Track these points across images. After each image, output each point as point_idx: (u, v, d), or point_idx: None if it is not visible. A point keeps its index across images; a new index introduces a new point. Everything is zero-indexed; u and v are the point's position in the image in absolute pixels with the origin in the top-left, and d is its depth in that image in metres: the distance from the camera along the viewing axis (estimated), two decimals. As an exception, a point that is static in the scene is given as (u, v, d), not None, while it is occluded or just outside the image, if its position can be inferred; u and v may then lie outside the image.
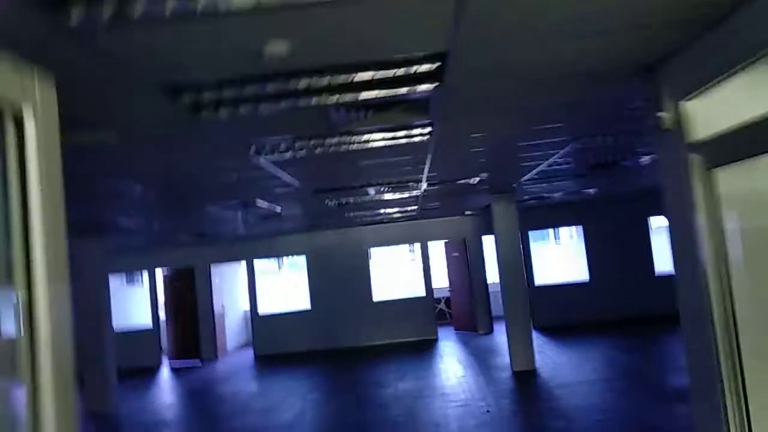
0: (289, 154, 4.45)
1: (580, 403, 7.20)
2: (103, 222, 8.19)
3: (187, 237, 11.82)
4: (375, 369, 10.85)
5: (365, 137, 4.21)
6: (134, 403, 9.93)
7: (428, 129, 4.19)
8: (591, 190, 10.79)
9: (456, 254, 14.09)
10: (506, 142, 5.17)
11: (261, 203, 7.42)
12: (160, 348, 14.10)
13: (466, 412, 7.32)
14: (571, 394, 7.61)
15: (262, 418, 8.04)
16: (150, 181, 5.55)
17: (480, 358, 10.70)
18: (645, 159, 7.27)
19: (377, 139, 4.31)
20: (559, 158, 6.40)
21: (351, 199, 8.19)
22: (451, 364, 10.46)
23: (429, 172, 6.38)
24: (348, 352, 13.06)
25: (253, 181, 5.70)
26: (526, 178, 7.84)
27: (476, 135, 4.72)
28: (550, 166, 6.93)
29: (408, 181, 6.96)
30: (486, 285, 13.80)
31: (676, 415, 6.45)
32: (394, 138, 4.32)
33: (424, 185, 7.43)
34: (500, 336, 12.78)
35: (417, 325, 13.68)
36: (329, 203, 8.37)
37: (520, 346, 9.31)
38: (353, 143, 4.31)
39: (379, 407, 8.03)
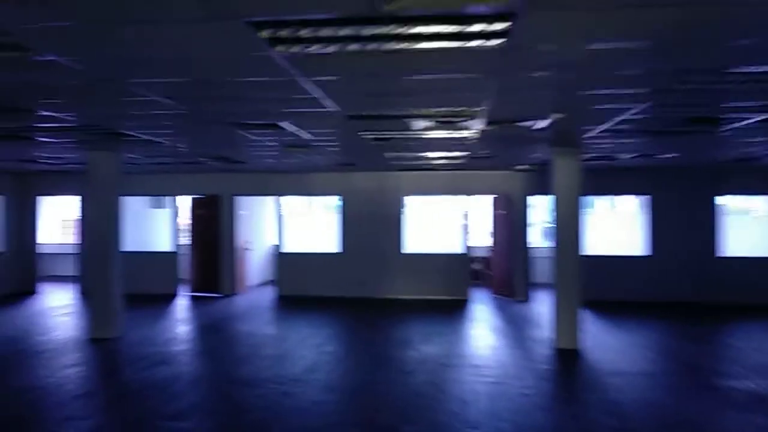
0: (315, 48, 3.35)
1: (635, 398, 6.12)
2: (120, 133, 7.31)
3: (214, 163, 10.93)
4: (399, 325, 9.95)
5: (418, 29, 3.07)
6: (141, 332, 9.28)
7: (504, 25, 3.01)
8: (669, 155, 9.40)
9: (502, 212, 12.89)
10: (591, 67, 3.93)
11: (288, 126, 6.36)
12: (178, 276, 13.50)
13: (499, 391, 6.33)
14: (625, 385, 6.52)
15: (268, 367, 7.23)
16: (178, 91, 4.58)
17: (517, 329, 9.65)
18: (750, 119, 5.93)
19: (432, 36, 3.17)
20: (649, 104, 5.13)
21: (391, 134, 7.06)
22: (483, 331, 9.46)
23: (489, 105, 5.19)
24: (372, 302, 12.21)
25: (278, 90, 4.64)
26: (602, 128, 6.56)
27: (559, 49, 3.52)
28: (635, 114, 5.65)
29: (462, 115, 5.78)
30: (527, 249, 12.64)
31: (756, 427, 5.32)
32: (455, 37, 3.17)
33: (478, 124, 6.24)
34: (538, 306, 11.73)
35: (449, 284, 12.71)
36: (365, 137, 7.27)
37: (567, 321, 8.21)
38: (401, 38, 3.18)
39: (400, 372, 7.11)
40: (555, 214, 8.36)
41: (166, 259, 13.35)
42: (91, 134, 7.14)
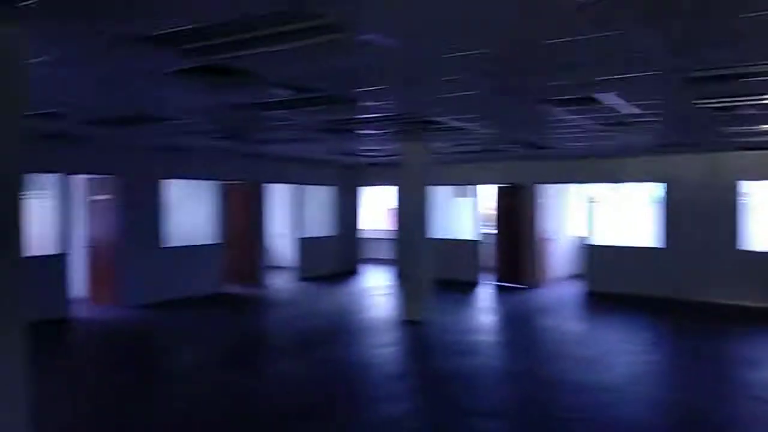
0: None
1: None
2: (429, 122, 7.45)
3: (518, 150, 10.56)
4: (739, 337, 8.18)
5: None
6: (448, 317, 9.42)
7: None
8: None
9: None
10: None
11: (608, 99, 5.54)
12: (480, 264, 13.51)
13: None
14: None
15: (579, 370, 6.51)
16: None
17: None
18: None
19: None
20: None
21: (738, 101, 5.64)
22: None
23: None
24: (698, 306, 10.37)
25: (600, 49, 3.93)
26: None
27: None
28: None
29: None
30: None
31: None
32: None
33: None
34: None
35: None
36: (701, 106, 5.95)
37: None
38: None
39: (749, 399, 5.68)
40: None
41: (469, 247, 13.50)
42: (404, 124, 7.37)
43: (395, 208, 14.76)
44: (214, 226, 11.99)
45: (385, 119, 6.93)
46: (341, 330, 8.70)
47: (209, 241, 11.89)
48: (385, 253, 17.20)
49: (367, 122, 7.21)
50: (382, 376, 6.51)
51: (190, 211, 11.88)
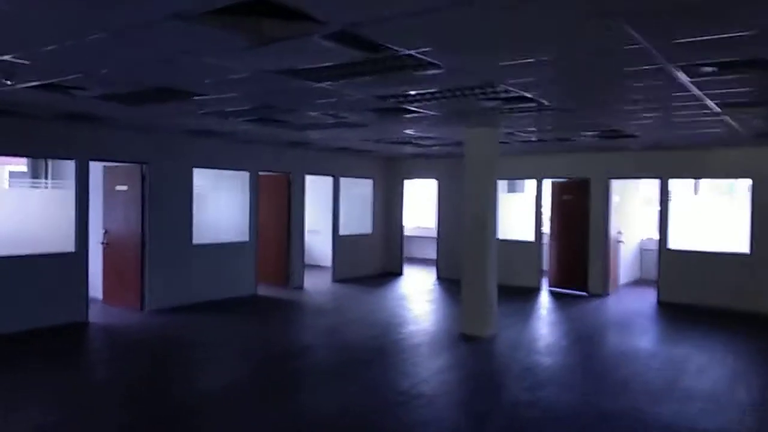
0: None
1: None
2: (495, 109, 6.18)
3: (587, 138, 9.19)
4: None
5: None
6: (514, 333, 8.15)
7: None
8: None
9: None
10: None
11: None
12: (541, 268, 12.19)
13: None
14: None
15: (695, 408, 5.18)
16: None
17: None
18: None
19: None
20: None
21: None
22: None
23: None
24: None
25: None
26: None
27: None
28: None
29: None
30: None
31: None
32: None
33: None
34: None
35: None
36: None
37: None
38: None
39: None
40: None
41: (530, 249, 12.14)
42: (473, 101, 6.08)
43: (438, 204, 13.54)
44: (247, 222, 10.88)
45: (451, 94, 5.66)
46: (390, 345, 7.48)
47: (242, 239, 10.80)
48: (427, 253, 15.97)
49: (427, 99, 5.95)
50: (449, 413, 5.28)
51: (220, 205, 10.80)
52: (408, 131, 8.67)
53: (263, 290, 11.08)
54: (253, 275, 10.87)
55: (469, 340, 7.65)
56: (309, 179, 12.30)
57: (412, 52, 3.98)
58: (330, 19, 3.25)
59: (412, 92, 5.60)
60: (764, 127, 7.42)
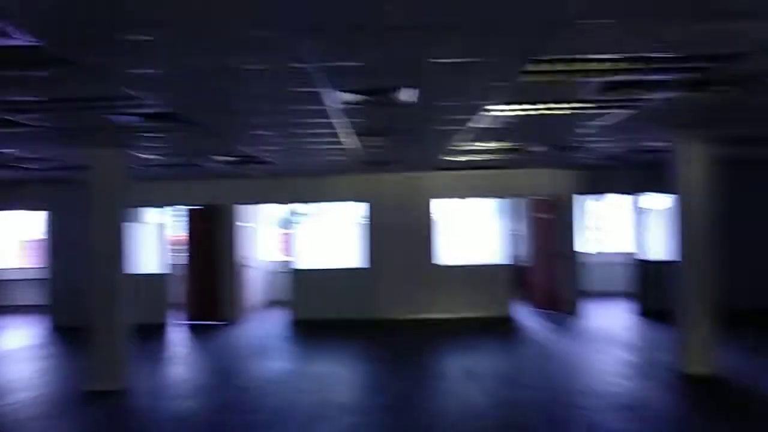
0: None
1: None
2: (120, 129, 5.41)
3: (216, 165, 8.98)
4: (444, 356, 8.30)
5: None
6: (149, 380, 7.28)
7: None
8: None
9: (545, 216, 11.42)
10: None
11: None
12: (168, 302, 11.33)
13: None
14: None
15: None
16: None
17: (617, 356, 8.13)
18: None
19: None
20: None
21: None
22: (553, 363, 7.89)
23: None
24: (403, 324, 10.47)
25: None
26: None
27: None
28: None
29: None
30: (574, 256, 11.19)
31: None
32: None
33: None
34: (593, 318, 10.33)
35: (488, 299, 11.09)
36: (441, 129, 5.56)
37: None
38: None
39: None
40: (680, 214, 6.86)
41: (153, 282, 11.15)
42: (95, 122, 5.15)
43: (51, 238, 11.46)
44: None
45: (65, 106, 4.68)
46: (-8, 423, 5.79)
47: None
48: (31, 299, 13.36)
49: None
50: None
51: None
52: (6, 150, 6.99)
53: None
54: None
55: (99, 397, 6.49)
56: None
57: None
58: None
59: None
60: (382, 155, 8.41)
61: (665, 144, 7.16)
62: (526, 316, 10.82)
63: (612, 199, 14.09)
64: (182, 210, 11.47)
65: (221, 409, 6.11)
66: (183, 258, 11.47)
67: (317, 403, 6.12)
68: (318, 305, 11.07)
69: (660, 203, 11.32)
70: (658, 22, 2.95)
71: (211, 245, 11.28)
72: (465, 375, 7.08)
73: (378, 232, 11.24)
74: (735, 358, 7.23)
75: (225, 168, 9.38)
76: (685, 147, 6.70)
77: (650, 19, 2.90)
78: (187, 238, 11.40)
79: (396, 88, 4.14)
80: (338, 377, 7.19)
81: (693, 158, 6.68)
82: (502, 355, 8.20)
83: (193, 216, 11.40)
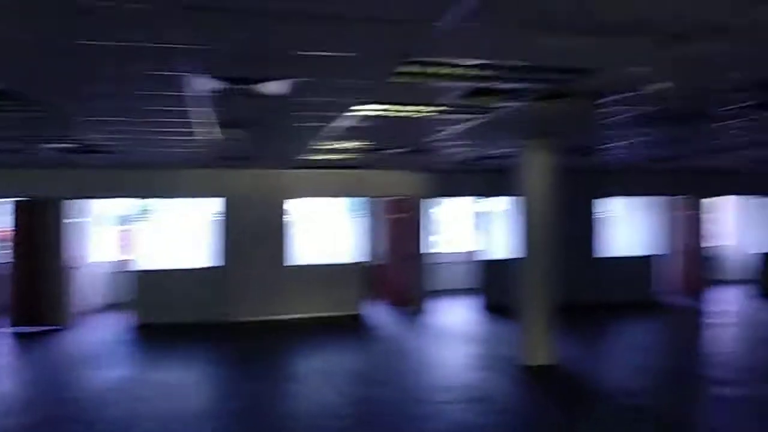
0: None
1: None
2: None
3: (48, 153, 8.04)
4: (297, 357, 8.23)
5: None
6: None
7: None
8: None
9: (398, 216, 11.74)
10: None
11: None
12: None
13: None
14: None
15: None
16: None
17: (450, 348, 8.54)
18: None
19: None
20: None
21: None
22: (400, 356, 8.17)
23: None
24: (256, 326, 10.18)
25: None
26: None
27: None
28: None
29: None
30: (422, 256, 11.66)
31: None
32: None
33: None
34: (441, 315, 10.83)
35: (341, 298, 11.13)
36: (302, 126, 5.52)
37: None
38: None
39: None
40: (526, 214, 7.37)
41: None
42: None
43: None
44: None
45: None
46: None
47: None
48: None
49: None
50: None
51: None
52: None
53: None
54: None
55: None
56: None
57: None
58: None
59: None
60: (242, 149, 8.01)
61: (510, 150, 7.68)
62: (378, 315, 11.02)
63: (455, 201, 14.86)
64: (7, 203, 10.11)
65: (48, 424, 5.45)
66: (7, 256, 10.13)
67: (162, 412, 5.70)
68: (165, 308, 10.35)
69: (499, 206, 12.17)
70: (523, 33, 3.11)
71: (38, 243, 10.08)
72: (318, 375, 7.03)
73: (233, 231, 10.80)
74: (573, 349, 7.95)
75: (57, 156, 8.42)
76: (531, 154, 7.23)
77: (517, 29, 3.05)
78: (13, 234, 10.09)
79: (264, 79, 3.97)
80: (185, 384, 6.78)
81: (537, 164, 7.23)
82: (355, 353, 8.27)
83: (19, 209, 10.11)
